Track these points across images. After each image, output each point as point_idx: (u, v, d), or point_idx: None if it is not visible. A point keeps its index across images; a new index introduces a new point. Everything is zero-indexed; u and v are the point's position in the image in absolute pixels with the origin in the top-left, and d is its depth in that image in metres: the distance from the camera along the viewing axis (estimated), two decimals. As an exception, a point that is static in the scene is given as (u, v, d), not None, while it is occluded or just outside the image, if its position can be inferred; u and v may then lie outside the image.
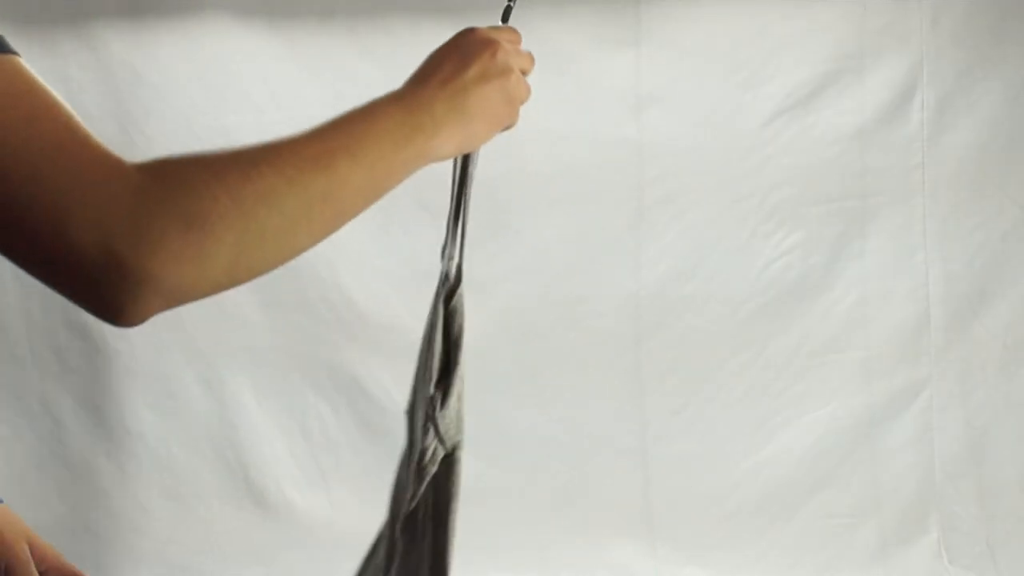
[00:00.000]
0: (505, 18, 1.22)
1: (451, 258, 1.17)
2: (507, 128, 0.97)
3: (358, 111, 0.88)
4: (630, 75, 2.24)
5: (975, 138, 2.29)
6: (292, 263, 2.15)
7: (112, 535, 2.16)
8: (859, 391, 2.31)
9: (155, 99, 2.12)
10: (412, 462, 1.14)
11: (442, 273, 1.22)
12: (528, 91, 0.99)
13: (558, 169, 2.17)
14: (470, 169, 1.12)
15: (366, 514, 2.27)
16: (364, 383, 2.21)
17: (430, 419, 1.08)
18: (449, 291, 1.15)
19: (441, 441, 1.09)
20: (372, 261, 2.20)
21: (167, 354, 2.17)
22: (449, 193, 1.15)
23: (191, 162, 0.73)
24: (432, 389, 1.10)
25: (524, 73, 0.99)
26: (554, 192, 2.15)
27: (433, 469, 1.09)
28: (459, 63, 0.94)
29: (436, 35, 2.40)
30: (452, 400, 1.10)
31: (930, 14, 2.27)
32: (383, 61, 2.18)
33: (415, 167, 0.89)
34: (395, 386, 2.23)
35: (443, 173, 2.47)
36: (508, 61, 0.96)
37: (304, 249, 0.81)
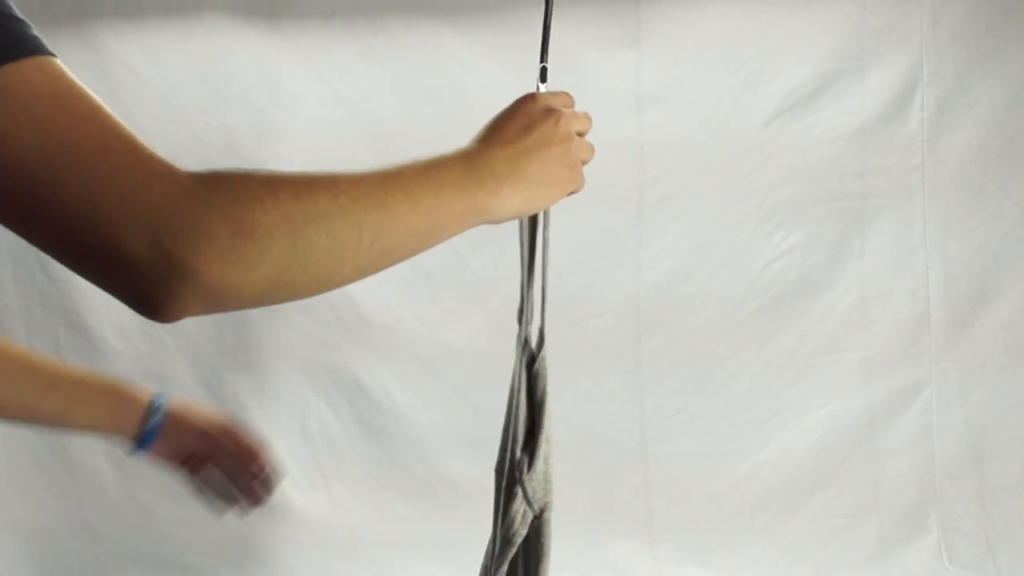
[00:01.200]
0: (543, 78, 1.24)
1: (530, 322, 1.17)
2: (572, 192, 0.99)
3: (422, 160, 0.88)
4: (630, 75, 2.24)
5: (975, 138, 2.29)
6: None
7: (112, 535, 2.16)
8: (859, 391, 2.31)
9: (155, 99, 2.12)
10: (498, 526, 1.15)
11: (521, 336, 1.23)
12: (591, 151, 1.00)
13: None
14: (541, 231, 1.13)
15: (366, 514, 2.28)
16: (364, 383, 2.21)
17: (518, 483, 1.09)
18: (531, 356, 1.15)
19: (529, 504, 1.10)
20: (372, 261, 2.20)
21: (167, 354, 2.17)
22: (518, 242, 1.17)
23: (245, 174, 0.75)
24: (519, 452, 1.11)
25: (582, 134, 0.99)
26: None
27: (523, 532, 1.10)
28: (522, 128, 0.95)
29: (436, 35, 2.42)
30: (539, 463, 1.10)
31: (930, 14, 2.27)
32: (383, 61, 2.18)
33: (472, 222, 0.88)
34: (395, 386, 2.23)
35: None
36: (569, 128, 0.96)
37: (347, 281, 0.81)
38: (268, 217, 0.72)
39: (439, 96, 2.19)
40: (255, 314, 2.18)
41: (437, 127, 2.19)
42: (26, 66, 0.72)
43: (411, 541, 2.19)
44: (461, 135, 2.38)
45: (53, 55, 0.74)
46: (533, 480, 1.10)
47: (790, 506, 2.30)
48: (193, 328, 2.17)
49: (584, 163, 1.00)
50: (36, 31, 0.75)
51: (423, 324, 2.22)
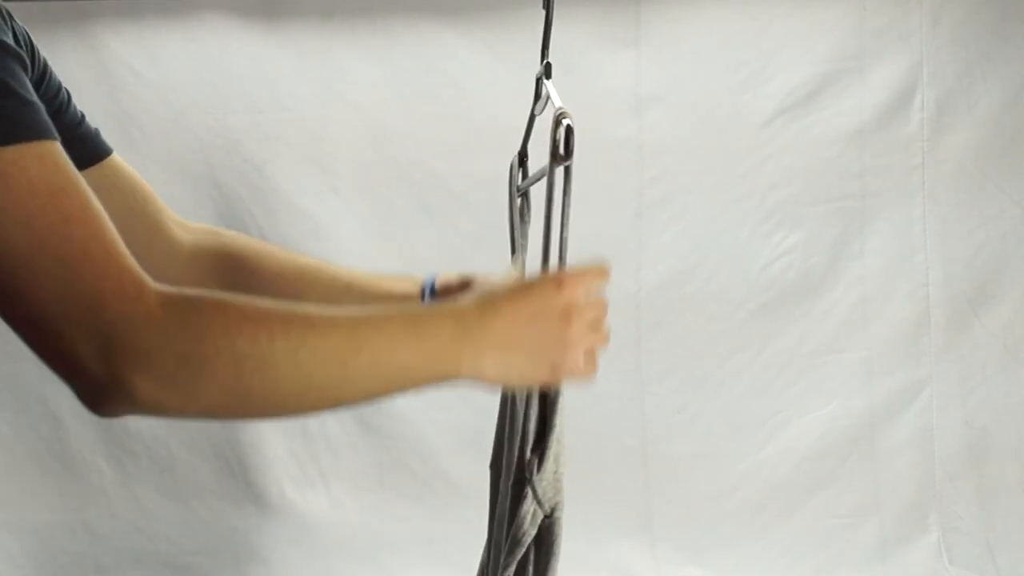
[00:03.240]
0: (548, 74, 1.23)
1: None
2: (572, 378, 0.97)
3: (413, 312, 0.87)
4: (630, 75, 2.24)
5: (975, 138, 2.29)
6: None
7: (112, 535, 2.16)
8: (859, 391, 2.31)
9: (155, 99, 2.12)
10: (504, 527, 1.15)
11: None
12: (600, 337, 0.98)
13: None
14: (559, 231, 1.12)
15: (366, 514, 2.28)
16: (364, 383, 2.21)
17: (528, 483, 1.09)
18: None
19: (540, 504, 1.10)
20: (372, 261, 2.20)
21: (167, 354, 2.17)
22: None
23: (214, 306, 0.75)
24: (528, 453, 1.11)
25: (596, 322, 0.97)
26: (553, 192, 2.15)
27: (533, 532, 1.10)
28: (531, 316, 0.91)
29: (436, 35, 2.42)
30: (549, 463, 1.10)
31: (930, 14, 2.27)
32: (383, 61, 2.18)
33: (431, 387, 0.86)
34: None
35: (444, 174, 2.47)
36: (578, 339, 0.95)
37: (285, 417, 0.82)
38: (218, 359, 0.73)
39: (439, 96, 2.19)
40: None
41: (437, 127, 2.19)
42: (27, 153, 0.73)
43: (411, 541, 2.19)
44: (461, 135, 2.38)
45: (56, 138, 0.75)
46: (543, 481, 1.10)
47: (790, 506, 2.30)
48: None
49: (590, 350, 0.97)
50: (43, 114, 0.76)
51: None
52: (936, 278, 2.31)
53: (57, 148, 0.75)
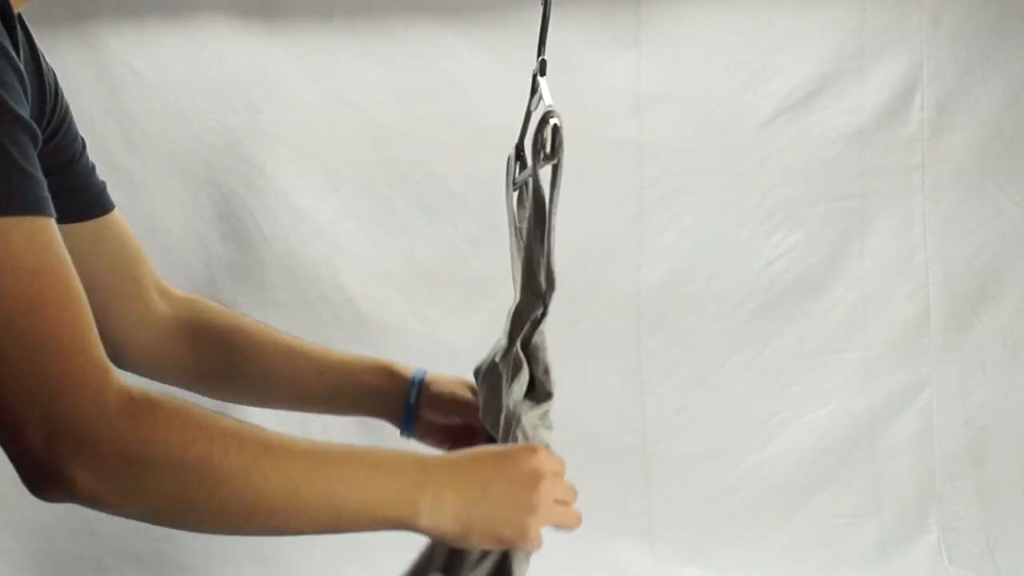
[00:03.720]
0: (543, 71, 1.23)
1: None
2: (518, 547, 0.94)
3: (378, 453, 0.86)
4: (630, 75, 2.24)
5: (975, 138, 2.29)
6: (293, 263, 2.16)
7: (112, 535, 2.16)
8: (859, 391, 2.31)
9: (155, 99, 2.12)
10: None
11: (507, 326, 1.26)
12: (563, 516, 0.95)
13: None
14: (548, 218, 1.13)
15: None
16: (364, 383, 2.21)
17: None
18: (529, 332, 1.15)
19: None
20: (372, 261, 2.20)
21: (167, 354, 2.17)
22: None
23: (173, 411, 0.75)
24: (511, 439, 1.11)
25: (562, 503, 0.95)
26: (541, 191, 2.16)
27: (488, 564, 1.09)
28: (498, 474, 0.90)
29: (436, 35, 2.42)
30: (520, 439, 1.10)
31: (930, 14, 2.27)
32: (383, 61, 2.18)
33: (386, 529, 0.87)
34: (395, 386, 2.23)
35: (444, 174, 2.47)
36: (544, 507, 0.91)
37: (229, 534, 0.81)
38: (165, 466, 0.73)
39: (439, 96, 2.19)
40: (255, 314, 2.17)
41: (437, 127, 2.19)
42: (18, 227, 0.71)
43: (411, 541, 2.19)
44: (461, 135, 2.39)
45: (51, 215, 0.74)
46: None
47: (790, 506, 2.30)
48: (193, 328, 2.17)
49: (548, 523, 0.93)
50: (44, 189, 0.75)
51: (422, 323, 2.22)
52: (936, 278, 2.31)
53: (50, 226, 0.74)
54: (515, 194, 1.55)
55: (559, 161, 1.12)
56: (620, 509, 2.26)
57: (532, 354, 1.15)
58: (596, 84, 2.19)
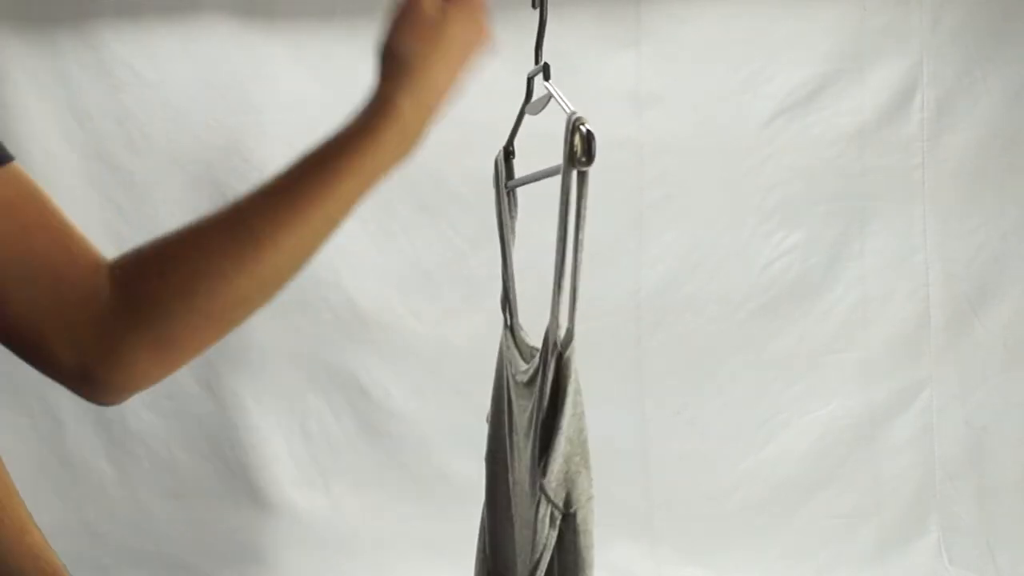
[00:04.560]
0: (547, 76, 1.21)
1: (558, 324, 1.18)
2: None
3: (357, 151, 0.89)
4: (630, 75, 2.24)
5: (975, 138, 2.29)
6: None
7: (112, 535, 2.16)
8: (859, 391, 2.31)
9: (155, 99, 2.12)
10: (524, 531, 1.15)
11: (506, 325, 1.23)
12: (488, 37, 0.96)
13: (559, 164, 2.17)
14: (573, 232, 1.14)
15: (366, 514, 2.28)
16: (364, 383, 2.21)
17: (541, 490, 1.10)
18: (558, 355, 1.16)
19: (555, 506, 1.10)
20: (372, 261, 2.20)
21: (167, 354, 2.17)
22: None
23: (160, 274, 0.76)
24: (538, 462, 1.12)
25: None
26: (553, 192, 2.16)
27: (554, 534, 1.10)
28: (437, 45, 0.95)
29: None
30: (556, 464, 1.11)
31: (930, 14, 2.27)
32: (383, 61, 2.18)
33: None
34: (395, 386, 2.23)
35: (444, 173, 2.47)
36: (431, 11, 0.93)
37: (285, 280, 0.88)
38: (189, 326, 0.76)
39: (439, 96, 2.19)
40: (255, 314, 2.18)
41: (437, 127, 2.19)
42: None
43: (411, 541, 2.19)
44: (461, 135, 2.38)
45: (11, 158, 0.78)
46: (552, 482, 1.11)
47: (790, 506, 2.30)
48: (193, 328, 2.17)
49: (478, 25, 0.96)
50: None
51: (422, 323, 2.22)
52: (936, 278, 2.31)
53: (14, 166, 0.78)
54: (505, 196, 1.55)
55: (588, 170, 1.12)
56: (620, 509, 2.26)
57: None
58: (596, 84, 2.19)
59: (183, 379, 2.17)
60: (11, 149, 0.79)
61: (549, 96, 1.32)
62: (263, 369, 2.19)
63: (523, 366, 1.35)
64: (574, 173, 1.11)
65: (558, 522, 1.11)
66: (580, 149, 1.10)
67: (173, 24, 2.13)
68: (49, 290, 0.73)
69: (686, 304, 2.27)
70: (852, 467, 2.31)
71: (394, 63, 0.94)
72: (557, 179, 1.17)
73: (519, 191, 1.62)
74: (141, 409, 2.17)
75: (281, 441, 2.21)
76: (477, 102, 2.17)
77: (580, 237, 1.12)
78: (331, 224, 0.85)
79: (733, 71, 2.26)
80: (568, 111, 1.15)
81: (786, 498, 2.30)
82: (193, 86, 2.13)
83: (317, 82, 2.17)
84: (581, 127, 1.10)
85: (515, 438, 1.35)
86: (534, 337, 1.46)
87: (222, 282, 0.78)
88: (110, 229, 2.14)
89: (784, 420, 2.31)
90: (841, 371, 2.31)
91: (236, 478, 2.19)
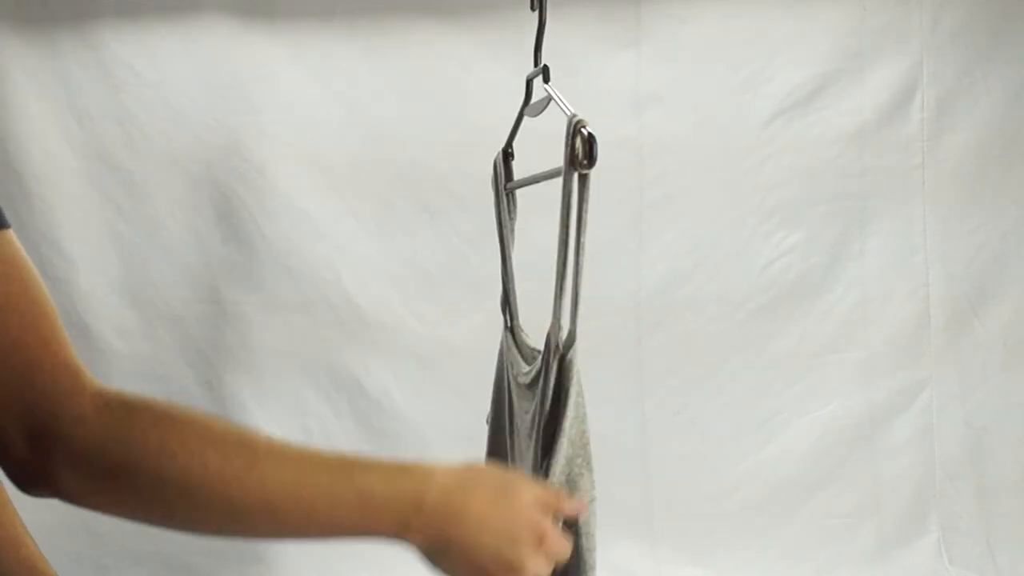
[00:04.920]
0: (546, 78, 1.19)
1: (560, 325, 1.18)
2: None
3: (370, 485, 0.80)
4: (630, 75, 2.24)
5: (975, 138, 2.29)
6: (293, 263, 2.16)
7: (112, 535, 2.16)
8: (859, 391, 2.31)
9: (155, 99, 2.12)
10: None
11: (506, 326, 1.22)
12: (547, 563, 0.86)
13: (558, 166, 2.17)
14: (575, 236, 1.14)
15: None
16: (364, 383, 2.21)
17: None
18: (560, 357, 1.15)
19: None
20: (372, 261, 2.20)
21: (167, 354, 2.17)
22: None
23: (151, 419, 0.74)
24: (540, 463, 1.12)
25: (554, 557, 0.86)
26: (553, 192, 2.16)
27: None
28: (501, 528, 0.83)
29: (436, 35, 2.41)
30: (557, 467, 1.11)
31: (930, 14, 2.27)
32: (383, 61, 2.18)
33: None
34: (395, 386, 2.23)
35: (444, 174, 2.47)
36: (540, 561, 0.84)
37: (208, 536, 0.80)
38: (142, 475, 0.72)
39: (439, 96, 2.19)
40: (255, 314, 2.18)
41: (437, 127, 2.19)
42: None
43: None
44: (461, 135, 2.38)
45: (7, 227, 0.74)
46: (554, 484, 1.11)
47: (790, 506, 2.30)
48: (193, 328, 2.17)
49: (541, 561, 0.85)
50: None
51: (423, 323, 2.22)
52: (936, 278, 2.31)
53: (5, 237, 0.73)
54: (504, 198, 1.55)
55: (589, 172, 1.12)
56: (620, 509, 2.26)
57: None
58: (596, 84, 2.19)
59: (183, 379, 2.17)
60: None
61: (549, 98, 1.32)
62: (263, 369, 2.19)
63: (525, 368, 1.35)
64: (575, 176, 1.11)
65: (560, 525, 1.11)
66: (581, 152, 1.10)
67: (173, 24, 2.13)
68: (20, 370, 0.71)
69: (686, 304, 2.27)
70: (852, 467, 2.31)
71: (470, 507, 0.83)
72: (556, 181, 1.17)
73: (518, 192, 1.62)
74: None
75: (281, 441, 2.21)
76: (477, 102, 2.18)
77: (582, 240, 1.12)
78: (307, 528, 0.78)
79: (733, 71, 2.26)
80: (569, 114, 1.15)
81: (786, 498, 2.30)
82: (193, 86, 2.13)
83: (317, 82, 2.17)
84: (582, 130, 1.10)
85: (516, 440, 1.35)
86: (535, 338, 1.46)
87: (193, 495, 0.73)
88: (110, 229, 2.14)
89: (784, 420, 2.31)
90: (841, 371, 2.31)
91: (236, 478, 2.19)
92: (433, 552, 0.82)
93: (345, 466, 0.80)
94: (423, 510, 0.80)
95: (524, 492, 0.85)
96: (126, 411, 0.73)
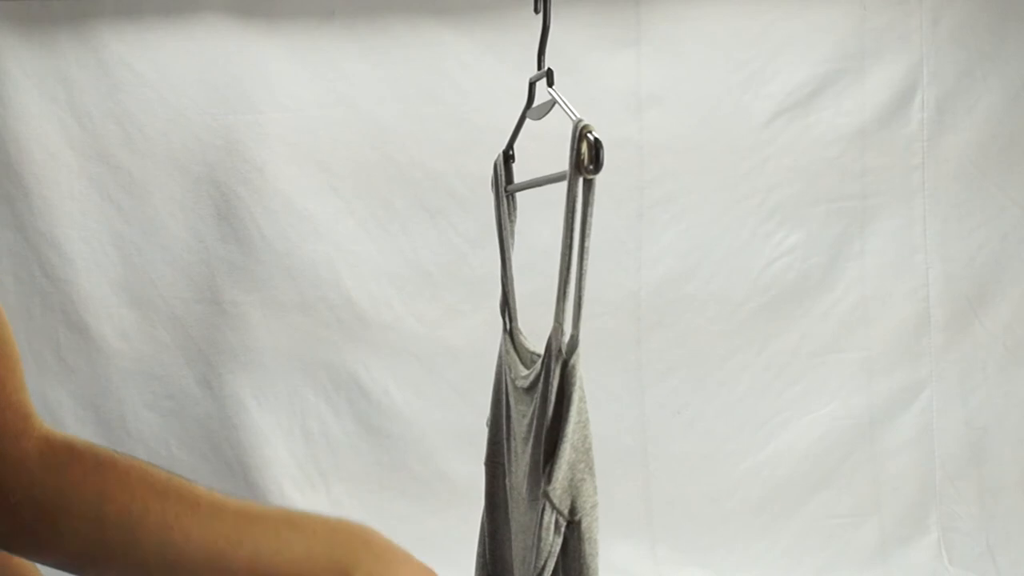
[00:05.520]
0: (550, 81, 1.18)
1: (562, 330, 1.18)
2: None
3: (306, 539, 0.80)
4: (630, 75, 2.24)
5: (975, 138, 2.29)
6: (292, 263, 2.16)
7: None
8: (859, 391, 2.31)
9: (155, 99, 2.12)
10: (520, 537, 1.15)
11: (505, 328, 1.22)
12: None
13: (557, 169, 2.17)
14: (578, 241, 1.14)
15: (366, 514, 2.28)
16: (364, 383, 2.21)
17: (545, 497, 1.10)
18: (563, 362, 1.15)
19: (560, 513, 1.10)
20: (372, 261, 2.20)
21: (167, 354, 2.17)
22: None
23: (95, 464, 0.73)
24: (543, 469, 1.12)
25: None
26: (553, 192, 2.16)
27: (559, 541, 1.10)
28: None
29: (436, 36, 2.42)
30: (560, 472, 1.11)
31: (930, 14, 2.27)
32: (383, 61, 2.18)
33: None
34: (395, 386, 2.23)
35: (444, 174, 2.47)
36: None
37: None
38: (81, 520, 0.71)
39: (439, 96, 2.19)
40: (255, 314, 2.18)
41: (437, 127, 2.19)
42: None
43: (411, 541, 2.19)
44: (461, 135, 2.38)
45: None
46: (557, 489, 1.11)
47: (790, 506, 2.30)
48: (193, 328, 2.17)
49: None
50: None
51: (422, 323, 2.22)
52: (936, 278, 2.31)
53: None
54: (504, 200, 1.55)
55: (594, 178, 1.12)
56: (620, 509, 2.26)
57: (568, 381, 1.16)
58: (596, 84, 2.19)
59: (183, 379, 2.18)
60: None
61: (553, 102, 1.32)
62: (263, 369, 2.19)
63: (523, 371, 1.34)
64: (580, 181, 1.11)
65: (563, 529, 1.11)
66: (587, 157, 1.10)
67: (173, 24, 2.13)
68: None
69: (686, 304, 2.27)
70: (852, 467, 2.31)
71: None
72: (556, 183, 1.17)
73: (518, 193, 1.62)
74: (141, 409, 2.18)
75: (281, 441, 2.21)
76: (477, 102, 2.18)
77: (586, 245, 1.11)
78: (241, 569, 0.77)
79: (733, 71, 2.26)
80: (575, 119, 1.15)
81: (786, 498, 2.30)
82: (193, 86, 2.13)
83: (317, 82, 2.17)
84: (588, 135, 1.10)
85: (513, 444, 1.35)
86: (534, 341, 1.46)
87: (133, 541, 0.73)
88: (110, 229, 2.14)
89: (784, 420, 2.31)
90: (841, 371, 2.31)
91: (236, 478, 2.19)
92: None
93: (288, 515, 0.80)
94: (371, 542, 0.84)
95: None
96: (69, 454, 0.72)
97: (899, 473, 2.32)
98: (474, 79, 2.19)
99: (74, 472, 0.72)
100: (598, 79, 2.20)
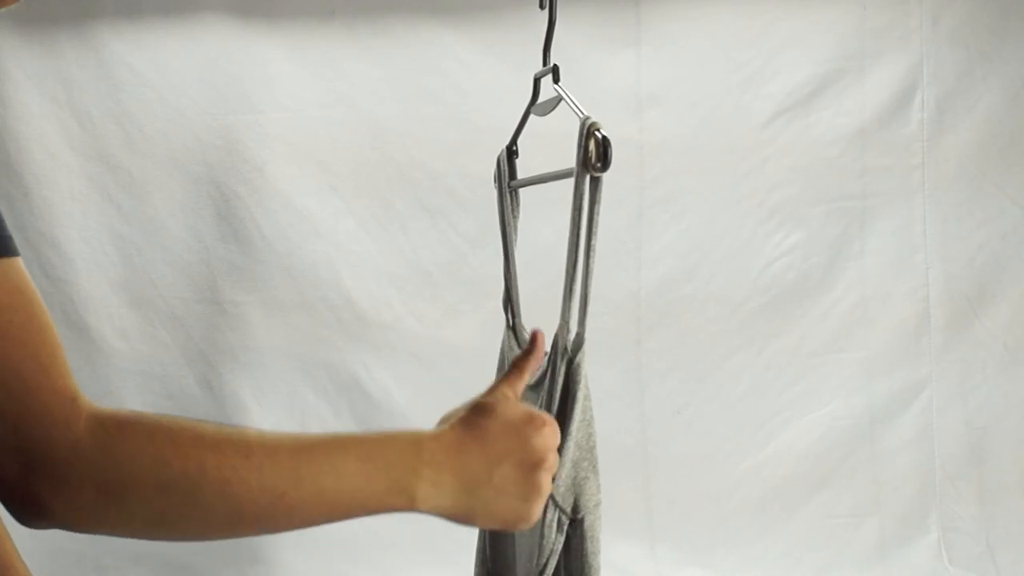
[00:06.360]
0: (556, 78, 1.19)
1: (568, 328, 1.17)
2: (510, 527, 0.86)
3: (368, 441, 0.80)
4: (630, 75, 2.24)
5: (975, 138, 2.29)
6: (292, 263, 2.17)
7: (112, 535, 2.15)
8: (859, 391, 2.31)
9: (155, 99, 2.12)
10: (521, 535, 1.15)
11: (508, 326, 1.22)
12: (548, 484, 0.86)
13: (556, 168, 2.17)
14: (585, 238, 1.11)
15: (366, 514, 2.27)
16: (364, 383, 2.21)
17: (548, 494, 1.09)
18: (568, 360, 1.15)
19: (563, 511, 1.10)
20: (372, 261, 2.20)
21: (167, 354, 2.17)
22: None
23: (145, 432, 0.74)
24: None
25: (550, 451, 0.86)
26: (553, 192, 2.16)
27: (561, 539, 1.10)
28: (504, 455, 0.83)
29: (436, 36, 2.42)
30: (564, 469, 1.11)
31: (930, 14, 2.27)
32: (383, 61, 2.18)
33: (383, 514, 0.81)
34: (395, 386, 2.23)
35: (444, 174, 2.47)
36: (545, 488, 0.84)
37: (221, 539, 0.79)
38: (143, 490, 0.72)
39: (439, 96, 2.19)
40: (255, 314, 2.18)
41: (437, 127, 2.19)
42: None
43: (411, 541, 2.19)
44: (461, 135, 2.38)
45: (15, 255, 0.75)
46: (560, 487, 1.11)
47: (790, 506, 2.30)
48: (193, 328, 2.17)
49: (541, 494, 0.85)
50: (5, 228, 0.76)
51: (422, 323, 2.22)
52: (936, 278, 2.31)
53: (14, 265, 0.74)
54: (508, 196, 1.55)
55: (602, 176, 1.12)
56: (620, 509, 2.26)
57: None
58: (596, 84, 2.19)
59: (183, 379, 2.17)
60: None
61: (559, 98, 1.32)
62: (263, 369, 2.19)
63: None
64: (587, 178, 1.11)
65: (565, 527, 1.11)
66: (595, 155, 1.10)
67: (173, 24, 2.13)
68: (15, 397, 0.71)
69: (686, 304, 2.27)
70: (852, 467, 2.31)
71: (468, 442, 0.83)
72: (561, 180, 1.17)
73: (520, 190, 1.62)
74: (141, 409, 2.17)
75: (281, 441, 2.21)
76: (477, 102, 2.18)
77: (592, 242, 1.11)
78: (317, 509, 0.78)
79: (733, 71, 2.26)
80: (582, 116, 1.14)
81: (786, 498, 2.30)
82: (193, 86, 2.13)
83: (317, 82, 2.16)
84: (596, 133, 1.10)
85: None
86: (537, 338, 1.46)
87: (194, 499, 0.74)
88: (110, 229, 2.14)
89: (784, 420, 2.31)
90: (841, 371, 2.31)
91: (236, 478, 2.19)
92: (453, 497, 0.81)
93: (338, 439, 0.80)
94: (423, 453, 0.81)
95: (510, 416, 0.85)
96: (119, 429, 0.73)
97: (899, 473, 2.32)
98: (474, 79, 2.19)
99: (128, 446, 0.73)
100: (598, 79, 2.20)
